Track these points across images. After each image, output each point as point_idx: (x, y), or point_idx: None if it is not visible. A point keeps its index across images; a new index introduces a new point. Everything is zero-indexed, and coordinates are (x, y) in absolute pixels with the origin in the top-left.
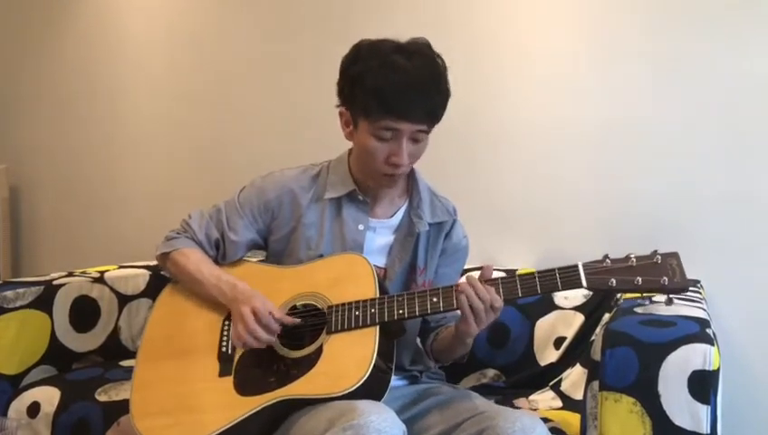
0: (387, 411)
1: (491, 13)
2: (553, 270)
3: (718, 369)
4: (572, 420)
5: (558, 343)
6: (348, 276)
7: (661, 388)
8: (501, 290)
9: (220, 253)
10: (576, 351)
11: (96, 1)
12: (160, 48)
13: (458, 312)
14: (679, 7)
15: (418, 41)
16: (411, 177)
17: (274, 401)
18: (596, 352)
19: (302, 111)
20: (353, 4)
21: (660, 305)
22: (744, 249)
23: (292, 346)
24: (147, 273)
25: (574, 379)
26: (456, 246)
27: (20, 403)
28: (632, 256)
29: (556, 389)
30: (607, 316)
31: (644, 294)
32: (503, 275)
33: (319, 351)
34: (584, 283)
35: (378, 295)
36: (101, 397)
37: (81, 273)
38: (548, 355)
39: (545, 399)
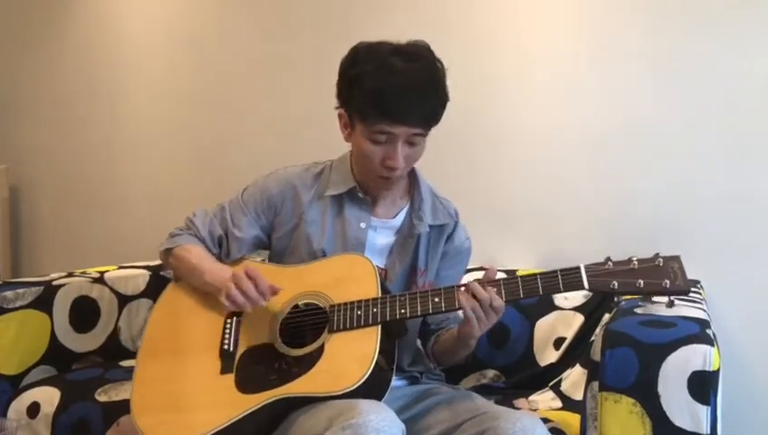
0: (386, 411)
1: (491, 13)
2: (555, 272)
3: (718, 369)
4: (572, 420)
5: (558, 343)
6: (350, 276)
7: (661, 388)
8: (503, 291)
9: (223, 250)
10: (576, 351)
11: (96, 2)
12: (160, 48)
13: (460, 313)
14: (679, 7)
15: (417, 43)
16: (413, 178)
17: (275, 398)
18: (596, 353)
19: (302, 112)
20: (353, 4)
21: (660, 306)
22: (744, 249)
23: (294, 344)
24: (147, 273)
25: (574, 379)
26: (458, 249)
27: (20, 403)
28: (634, 258)
29: (556, 389)
30: (607, 317)
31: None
32: (504, 275)
33: (320, 349)
34: (586, 285)
35: (380, 295)
36: (101, 397)
37: (81, 273)
38: (548, 356)
39: (545, 399)
